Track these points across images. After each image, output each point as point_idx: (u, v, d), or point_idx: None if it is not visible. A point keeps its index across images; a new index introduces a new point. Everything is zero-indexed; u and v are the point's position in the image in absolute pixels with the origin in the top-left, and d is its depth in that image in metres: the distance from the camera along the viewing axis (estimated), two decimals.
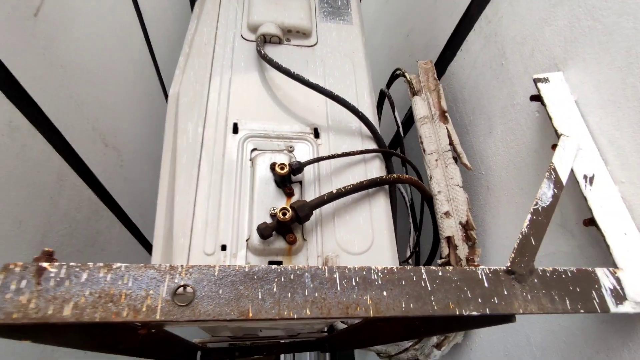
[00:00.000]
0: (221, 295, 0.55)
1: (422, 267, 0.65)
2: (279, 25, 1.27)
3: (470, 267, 0.66)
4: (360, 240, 0.98)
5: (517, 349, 1.12)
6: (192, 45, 1.23)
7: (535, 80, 0.97)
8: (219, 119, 1.08)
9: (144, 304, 0.52)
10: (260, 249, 0.90)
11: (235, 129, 1.07)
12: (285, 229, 0.91)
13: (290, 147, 1.07)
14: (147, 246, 2.91)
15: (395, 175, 1.06)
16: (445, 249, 1.22)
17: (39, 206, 1.52)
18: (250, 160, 1.03)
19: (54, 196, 1.65)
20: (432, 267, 0.65)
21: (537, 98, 0.98)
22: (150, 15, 2.73)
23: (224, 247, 0.90)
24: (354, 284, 0.61)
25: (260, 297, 0.56)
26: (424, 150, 1.28)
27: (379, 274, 0.62)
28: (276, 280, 0.58)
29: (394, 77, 1.71)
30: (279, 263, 0.91)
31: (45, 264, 0.52)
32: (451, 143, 1.26)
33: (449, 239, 1.21)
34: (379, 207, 1.04)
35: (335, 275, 0.61)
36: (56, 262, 0.53)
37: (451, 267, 0.66)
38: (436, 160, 1.26)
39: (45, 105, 1.50)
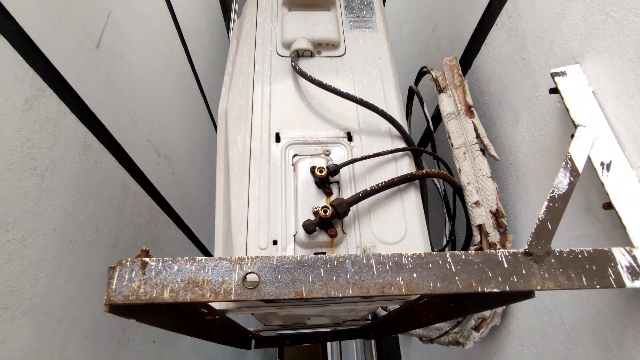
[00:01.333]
0: (280, 280, 0.69)
1: (447, 252, 0.75)
2: (309, 40, 1.40)
3: (491, 250, 0.76)
4: (394, 231, 1.09)
5: (552, 329, 1.18)
6: (235, 65, 1.39)
7: (553, 75, 1.03)
8: (263, 131, 1.22)
9: (222, 288, 0.67)
10: (306, 243, 1.04)
11: (278, 138, 1.21)
12: (327, 224, 1.04)
13: (327, 151, 1.20)
14: (199, 245, 3.16)
15: (423, 171, 1.15)
16: (477, 237, 1.30)
17: (110, 214, 1.76)
18: (292, 165, 1.17)
19: (121, 204, 1.89)
20: (456, 252, 0.75)
21: (555, 91, 1.04)
22: (187, 28, 2.95)
23: (275, 242, 1.05)
24: (387, 268, 0.72)
25: (311, 280, 0.69)
26: (452, 145, 1.36)
27: (409, 259, 0.74)
28: (323, 266, 0.71)
29: (421, 74, 1.78)
30: (323, 254, 1.04)
31: (147, 259, 0.68)
32: (478, 136, 1.33)
33: (480, 227, 1.29)
34: (410, 200, 1.14)
35: (371, 261, 0.73)
36: (152, 258, 0.69)
37: (473, 251, 0.75)
38: (464, 153, 1.33)
39: (109, 124, 1.73)
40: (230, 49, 1.47)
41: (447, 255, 0.75)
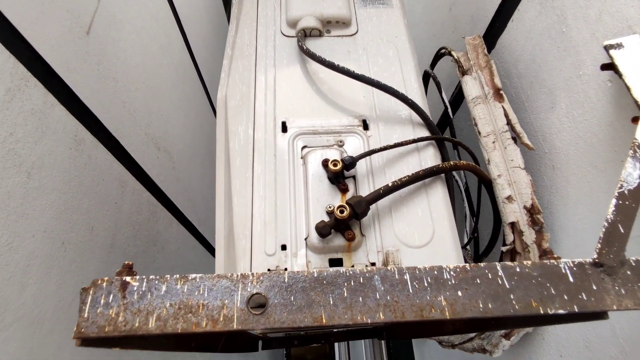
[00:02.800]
0: (293, 302, 0.55)
1: (497, 263, 0.61)
2: (317, 18, 1.24)
3: (551, 260, 0.62)
4: (420, 232, 0.95)
5: (600, 341, 1.04)
6: (234, 47, 1.24)
7: (607, 47, 0.87)
8: (268, 120, 1.08)
9: (221, 314, 0.54)
10: (319, 247, 0.90)
11: (284, 128, 1.07)
12: (343, 226, 0.90)
13: (340, 142, 1.06)
14: (203, 242, 3.04)
15: (451, 163, 1.01)
16: (509, 235, 1.15)
17: (106, 212, 1.63)
18: (301, 158, 1.03)
19: (118, 201, 1.76)
20: (509, 263, 0.61)
21: (609, 67, 0.88)
22: (186, 16, 2.79)
23: (284, 247, 0.91)
24: (426, 284, 0.58)
25: (332, 302, 0.56)
26: (479, 133, 1.21)
27: (452, 273, 0.60)
28: (346, 284, 0.57)
29: (438, 56, 1.62)
30: (339, 260, 0.91)
31: (128, 278, 0.55)
32: (509, 122, 1.18)
33: (513, 225, 1.15)
34: (437, 196, 1.00)
35: (405, 277, 0.59)
36: (136, 275, 0.56)
37: (529, 262, 0.61)
38: (493, 142, 1.18)
39: (103, 117, 1.59)
40: (230, 30, 1.32)
41: (498, 268, 0.61)
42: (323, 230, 0.86)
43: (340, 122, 1.09)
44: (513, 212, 1.13)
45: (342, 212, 0.86)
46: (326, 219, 0.92)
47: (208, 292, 0.55)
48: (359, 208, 0.87)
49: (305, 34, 1.24)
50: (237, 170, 1.01)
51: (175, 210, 2.47)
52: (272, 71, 1.18)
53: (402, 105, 1.10)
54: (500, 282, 0.60)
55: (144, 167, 2.01)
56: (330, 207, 0.93)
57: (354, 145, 1.06)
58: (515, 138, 1.19)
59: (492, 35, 1.51)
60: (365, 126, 1.09)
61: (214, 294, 0.55)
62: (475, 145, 1.26)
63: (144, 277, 0.55)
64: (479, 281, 0.59)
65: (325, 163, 0.98)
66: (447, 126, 1.55)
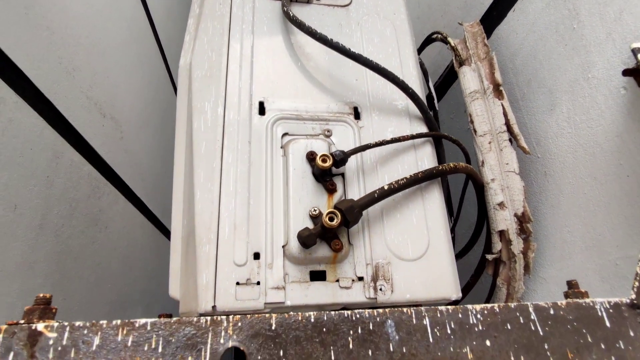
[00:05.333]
0: (283, 358, 0.41)
1: (529, 304, 0.50)
2: None
3: (587, 301, 0.52)
4: (414, 243, 0.83)
5: None
6: (204, 4, 1.02)
7: (635, 51, 0.79)
8: (242, 97, 0.89)
9: None
10: (300, 258, 0.76)
11: (262, 110, 0.89)
12: (331, 234, 0.76)
13: (328, 131, 0.90)
14: (154, 220, 2.78)
15: (451, 165, 0.90)
16: (497, 244, 1.08)
17: (34, 187, 1.37)
18: (281, 147, 0.86)
19: (50, 175, 1.50)
20: (541, 304, 0.51)
21: (633, 72, 0.80)
22: None
23: (257, 256, 0.76)
24: (449, 331, 0.46)
25: (333, 358, 0.42)
26: (475, 131, 1.11)
27: (478, 316, 0.48)
28: (352, 332, 0.44)
29: (428, 41, 1.50)
30: (322, 273, 0.77)
31: (40, 326, 0.37)
32: (507, 123, 1.09)
33: (501, 233, 1.07)
34: (434, 202, 0.88)
35: (425, 322, 0.46)
36: (53, 322, 0.38)
37: (564, 302, 0.51)
38: (489, 142, 1.09)
39: (31, 73, 1.31)
40: None
41: (531, 310, 0.50)
42: (308, 241, 0.72)
43: (328, 108, 0.93)
44: (504, 220, 1.06)
45: (331, 219, 0.71)
46: (309, 224, 0.78)
47: (164, 346, 0.39)
48: (351, 215, 0.74)
49: None
50: (201, 158, 0.82)
51: (123, 185, 2.20)
52: (249, 38, 0.98)
53: (399, 94, 0.96)
54: (533, 327, 0.49)
55: (85, 136, 1.73)
56: (315, 210, 0.78)
57: (342, 136, 0.91)
58: (511, 140, 1.10)
59: (487, 24, 1.40)
60: (357, 115, 0.95)
61: (172, 350, 0.39)
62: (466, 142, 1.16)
63: (66, 324, 0.38)
64: (509, 326, 0.48)
65: (311, 157, 0.82)
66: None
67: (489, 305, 0.49)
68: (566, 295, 0.58)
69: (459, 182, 1.29)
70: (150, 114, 2.76)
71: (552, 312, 0.51)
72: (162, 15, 2.96)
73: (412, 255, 0.82)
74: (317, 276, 0.77)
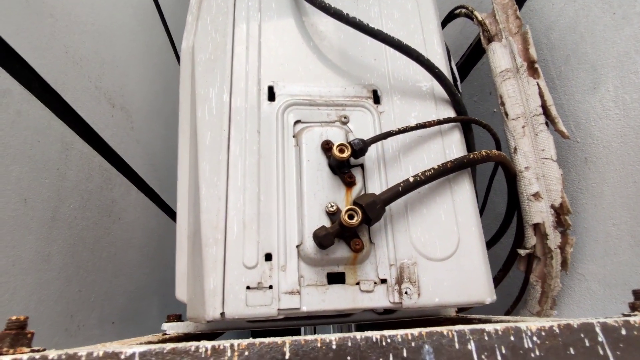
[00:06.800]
0: None
1: (594, 321, 0.42)
2: None
3: None
4: (442, 240, 0.74)
5: None
6: None
7: None
8: (250, 83, 0.81)
9: None
10: (316, 259, 0.68)
11: (272, 95, 0.81)
12: (350, 233, 0.68)
13: (344, 117, 0.81)
14: (166, 209, 2.75)
15: (483, 153, 0.80)
16: (531, 238, 0.98)
17: (45, 180, 1.34)
18: (293, 137, 0.78)
19: (61, 167, 1.46)
20: (610, 322, 0.42)
21: None
22: None
23: (268, 257, 0.69)
24: (499, 358, 0.38)
25: None
26: (507, 115, 1.00)
27: (534, 338, 0.40)
28: None
29: (451, 17, 1.38)
30: (341, 275, 0.70)
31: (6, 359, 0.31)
32: (543, 105, 0.98)
33: (536, 226, 0.98)
34: (464, 194, 0.79)
35: (469, 346, 0.38)
36: (24, 351, 0.32)
37: (637, 319, 0.42)
38: (523, 127, 0.98)
39: (36, 63, 1.26)
40: None
41: (597, 330, 0.41)
42: (324, 241, 0.64)
43: (344, 92, 0.84)
44: (539, 212, 0.96)
45: (351, 217, 0.63)
46: (325, 221, 0.70)
47: None
48: (372, 211, 0.65)
49: None
50: (206, 150, 0.75)
51: (135, 176, 2.17)
52: (256, 17, 0.89)
53: (424, 75, 0.86)
54: (601, 351, 0.40)
55: (95, 127, 1.68)
56: (332, 206, 0.70)
57: (361, 123, 0.82)
58: (548, 123, 1.00)
59: None
60: (376, 99, 0.85)
61: None
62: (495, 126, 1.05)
63: (37, 356, 0.31)
64: (572, 351, 0.40)
65: (327, 146, 0.74)
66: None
67: (546, 325, 0.40)
68: (633, 307, 0.49)
69: (482, 170, 1.19)
70: (162, 104, 2.71)
71: (623, 332, 0.42)
72: (170, 0, 2.89)
73: (440, 254, 0.73)
74: (336, 279, 0.69)
